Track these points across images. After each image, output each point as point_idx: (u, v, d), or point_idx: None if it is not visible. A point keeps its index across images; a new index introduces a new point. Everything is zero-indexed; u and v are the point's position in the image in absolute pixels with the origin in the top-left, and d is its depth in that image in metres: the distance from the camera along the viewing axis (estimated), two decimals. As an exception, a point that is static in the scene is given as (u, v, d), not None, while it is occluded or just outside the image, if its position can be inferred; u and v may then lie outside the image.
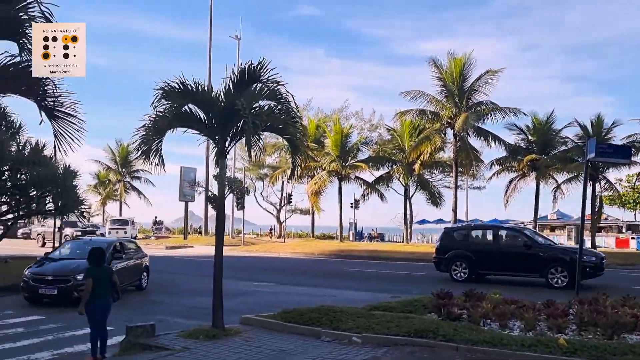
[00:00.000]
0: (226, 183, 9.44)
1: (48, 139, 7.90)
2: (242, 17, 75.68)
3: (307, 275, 21.83)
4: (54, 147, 6.89)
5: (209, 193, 9.79)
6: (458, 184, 44.10)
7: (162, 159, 8.93)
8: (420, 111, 35.84)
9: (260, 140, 9.01)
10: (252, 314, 10.30)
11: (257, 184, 54.12)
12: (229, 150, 9.65)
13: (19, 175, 18.78)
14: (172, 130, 9.04)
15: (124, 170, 56.80)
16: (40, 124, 6.76)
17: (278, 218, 54.55)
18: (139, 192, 57.96)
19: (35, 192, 19.98)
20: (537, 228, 38.04)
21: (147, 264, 16.85)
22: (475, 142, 36.27)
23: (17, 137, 20.42)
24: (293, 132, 9.47)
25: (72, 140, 7.01)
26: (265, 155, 50.19)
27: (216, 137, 9.38)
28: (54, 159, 6.94)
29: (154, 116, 8.88)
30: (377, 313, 9.97)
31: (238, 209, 40.17)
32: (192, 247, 38.99)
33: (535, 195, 36.21)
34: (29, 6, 5.85)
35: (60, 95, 6.54)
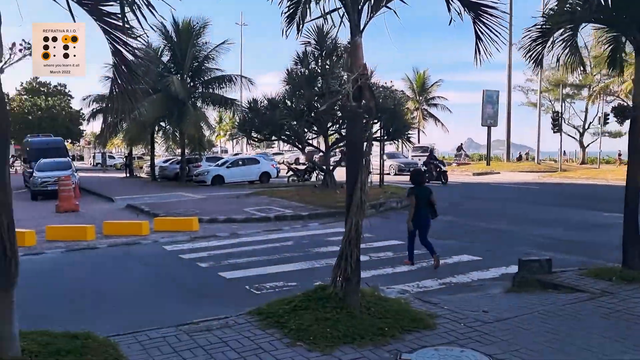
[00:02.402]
0: None
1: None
2: None
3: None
4: (475, 50, 5.86)
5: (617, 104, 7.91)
6: None
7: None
8: None
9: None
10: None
11: (555, 106, 48.63)
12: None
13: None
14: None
15: (421, 98, 57.47)
16: (450, 23, 5.76)
17: (581, 142, 49.40)
18: (436, 119, 58.15)
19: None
20: None
21: None
22: None
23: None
24: None
25: (494, 40, 5.84)
26: (566, 73, 44.49)
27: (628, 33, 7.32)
28: (475, 63, 5.83)
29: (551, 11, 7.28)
30: None
31: (555, 132, 36.34)
32: (499, 173, 37.12)
33: None
34: None
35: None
